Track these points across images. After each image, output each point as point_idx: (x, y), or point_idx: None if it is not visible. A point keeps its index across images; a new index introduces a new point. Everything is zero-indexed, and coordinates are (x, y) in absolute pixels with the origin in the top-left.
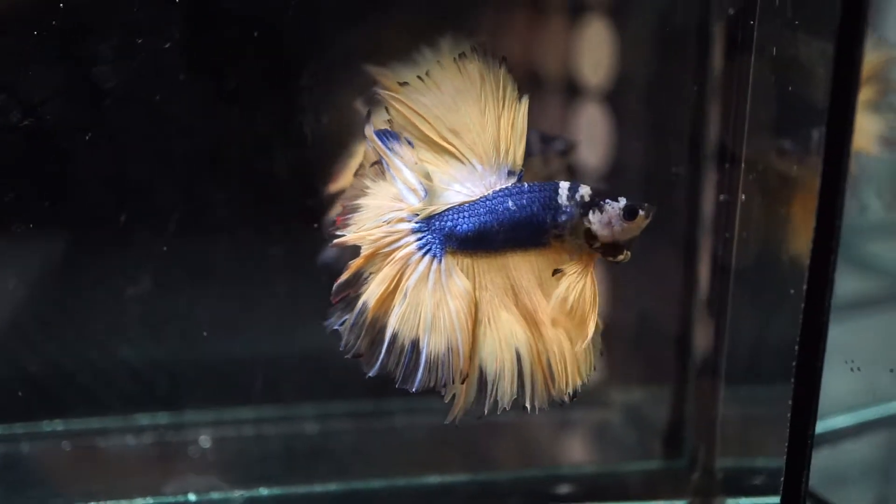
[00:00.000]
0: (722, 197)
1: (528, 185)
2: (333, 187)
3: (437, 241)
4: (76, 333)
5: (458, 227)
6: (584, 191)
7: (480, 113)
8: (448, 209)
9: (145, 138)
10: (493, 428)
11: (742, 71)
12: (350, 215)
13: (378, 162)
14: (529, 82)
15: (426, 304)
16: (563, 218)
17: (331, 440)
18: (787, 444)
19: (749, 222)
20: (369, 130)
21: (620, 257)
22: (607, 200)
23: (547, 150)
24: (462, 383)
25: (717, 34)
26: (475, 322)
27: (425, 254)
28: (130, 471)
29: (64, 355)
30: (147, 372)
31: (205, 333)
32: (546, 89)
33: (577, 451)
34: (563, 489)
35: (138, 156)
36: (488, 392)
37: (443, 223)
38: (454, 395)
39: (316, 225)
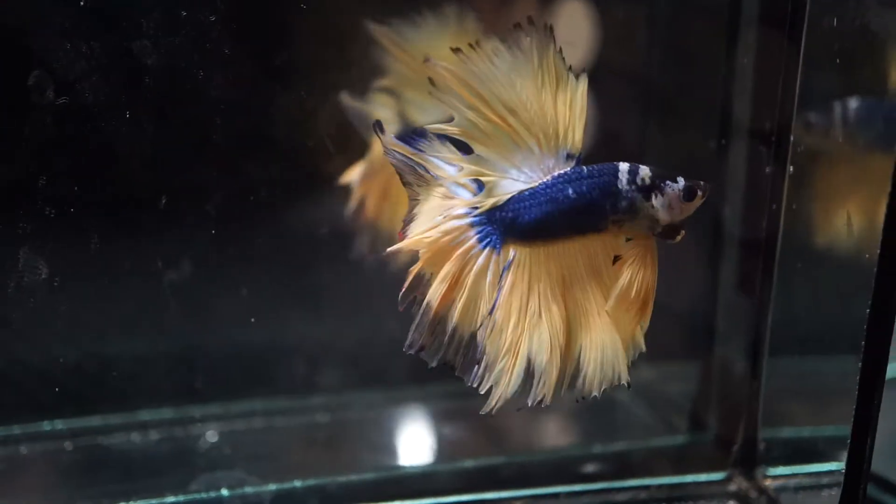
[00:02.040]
0: (768, 169)
1: (588, 170)
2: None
3: (497, 233)
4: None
5: (520, 218)
6: (644, 173)
7: (537, 90)
8: (508, 199)
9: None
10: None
11: (790, 43)
12: (407, 227)
13: (413, 168)
14: None
15: (485, 297)
16: (624, 203)
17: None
18: (853, 414)
19: (797, 194)
20: (388, 140)
21: (678, 238)
22: (667, 182)
23: None
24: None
25: (751, 7)
26: (526, 314)
27: (486, 246)
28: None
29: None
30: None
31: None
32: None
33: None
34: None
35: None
36: (535, 383)
37: (504, 214)
38: (491, 386)
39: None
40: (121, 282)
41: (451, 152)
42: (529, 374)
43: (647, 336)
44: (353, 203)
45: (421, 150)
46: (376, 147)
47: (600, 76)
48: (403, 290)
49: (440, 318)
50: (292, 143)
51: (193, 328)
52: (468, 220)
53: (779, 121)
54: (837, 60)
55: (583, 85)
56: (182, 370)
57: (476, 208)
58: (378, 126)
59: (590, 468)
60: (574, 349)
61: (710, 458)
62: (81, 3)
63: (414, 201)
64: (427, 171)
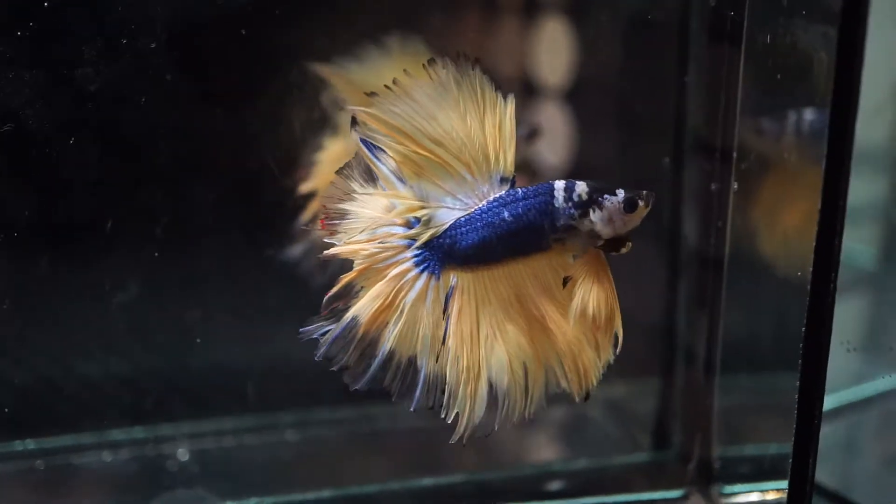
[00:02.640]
0: (714, 186)
1: (523, 191)
2: (302, 183)
3: (435, 259)
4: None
5: (457, 245)
6: (581, 189)
7: (461, 118)
8: (445, 227)
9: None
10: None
11: (731, 60)
12: (337, 221)
13: (367, 168)
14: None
15: (424, 322)
16: (562, 221)
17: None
18: (794, 429)
19: (742, 210)
20: (355, 137)
21: (623, 250)
22: (605, 196)
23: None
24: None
25: (700, 25)
26: (479, 339)
27: (423, 271)
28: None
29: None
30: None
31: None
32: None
33: (567, 447)
34: (558, 485)
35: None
36: (499, 407)
37: (441, 240)
38: (457, 414)
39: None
40: (73, 304)
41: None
42: (493, 397)
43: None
44: (306, 216)
45: (378, 161)
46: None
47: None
48: (329, 294)
49: (370, 340)
50: (238, 166)
51: (163, 348)
52: (406, 241)
53: (722, 137)
54: (777, 77)
55: (510, 106)
56: (154, 390)
57: (413, 241)
58: (354, 121)
59: (548, 486)
60: (539, 365)
61: (671, 475)
62: (21, 33)
63: (348, 196)
64: (377, 178)
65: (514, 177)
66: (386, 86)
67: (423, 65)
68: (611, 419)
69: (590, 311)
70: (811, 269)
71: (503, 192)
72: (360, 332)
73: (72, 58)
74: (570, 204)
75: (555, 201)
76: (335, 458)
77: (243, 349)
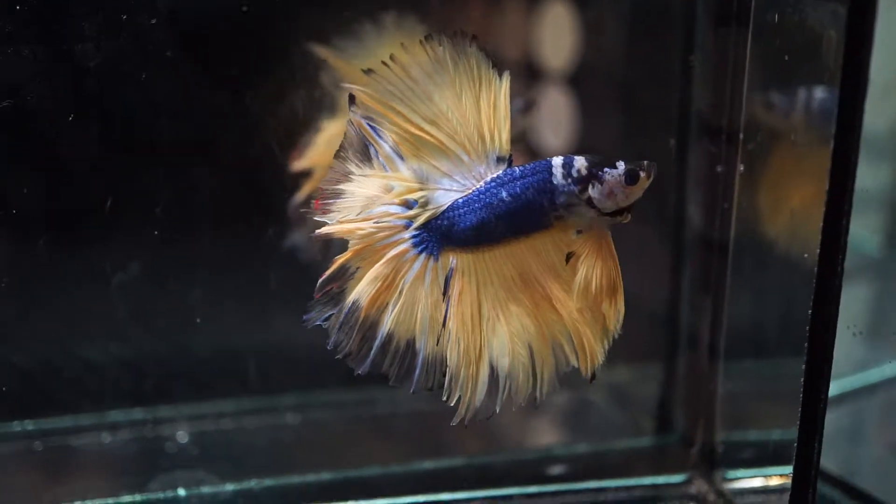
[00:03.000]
0: (719, 168)
1: (520, 170)
2: (298, 164)
3: (433, 240)
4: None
5: (455, 227)
6: (580, 164)
7: (457, 98)
8: (444, 209)
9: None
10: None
11: (738, 40)
12: (331, 200)
13: (365, 147)
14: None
15: (422, 303)
16: (562, 199)
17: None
18: (800, 414)
19: (748, 192)
20: (356, 117)
21: (621, 219)
22: (605, 169)
23: None
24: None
25: (706, 5)
26: (480, 321)
27: (421, 251)
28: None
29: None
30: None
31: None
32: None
33: (572, 431)
34: (560, 469)
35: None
36: (500, 388)
37: (439, 222)
38: (459, 397)
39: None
40: (73, 286)
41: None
42: (494, 379)
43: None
44: (301, 196)
45: (381, 139)
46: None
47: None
48: (324, 276)
49: (370, 323)
50: (240, 148)
51: (163, 329)
52: (403, 221)
53: (728, 119)
54: (785, 57)
55: (505, 84)
56: (154, 371)
57: (411, 222)
58: (353, 100)
59: (550, 470)
60: (546, 345)
61: (674, 459)
62: (20, 7)
63: (344, 176)
64: (378, 156)
65: (510, 155)
66: (383, 62)
67: (420, 41)
68: (614, 403)
69: (593, 286)
70: (818, 252)
71: (500, 171)
72: (361, 315)
73: (72, 34)
74: (569, 180)
75: (553, 178)
76: (335, 441)
77: (243, 332)
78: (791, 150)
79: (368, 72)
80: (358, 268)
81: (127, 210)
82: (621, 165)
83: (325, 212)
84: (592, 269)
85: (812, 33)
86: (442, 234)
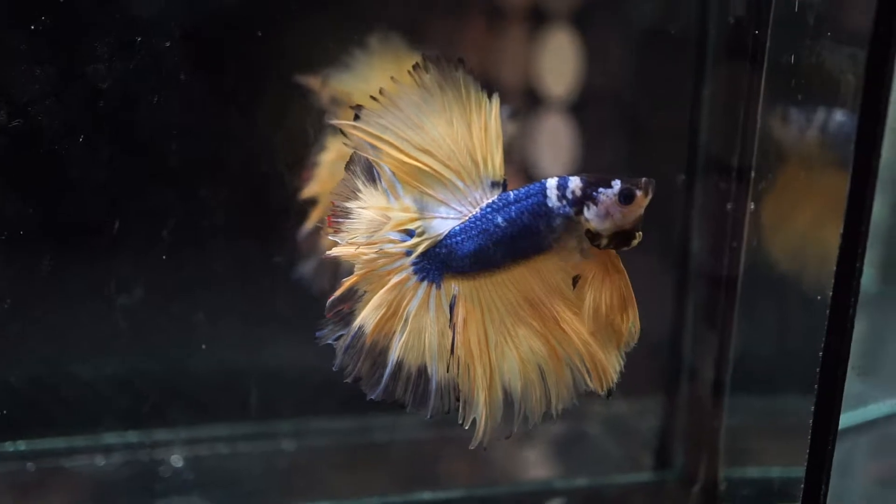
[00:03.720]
0: (729, 205)
1: (514, 194)
2: (305, 185)
3: (434, 268)
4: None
5: (454, 255)
6: (574, 185)
7: (448, 124)
8: (441, 237)
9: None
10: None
11: (751, 78)
12: (342, 219)
13: (369, 168)
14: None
15: (429, 331)
16: (558, 221)
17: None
18: (808, 451)
19: (757, 231)
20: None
21: (634, 242)
22: (599, 190)
23: None
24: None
25: (718, 41)
26: (488, 346)
27: (423, 279)
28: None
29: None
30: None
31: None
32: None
33: (577, 464)
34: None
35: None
36: (517, 410)
37: (438, 250)
38: (474, 420)
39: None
40: (75, 305)
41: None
42: (508, 402)
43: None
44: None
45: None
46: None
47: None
48: (333, 297)
49: (380, 349)
50: (248, 170)
51: (159, 351)
52: (404, 248)
53: (740, 156)
54: (799, 97)
55: (495, 107)
56: (149, 394)
57: (410, 252)
58: (358, 110)
59: (549, 502)
60: (559, 364)
61: (674, 496)
62: (35, 27)
63: (353, 193)
64: (381, 179)
65: (504, 180)
66: (372, 97)
67: (408, 71)
68: (613, 437)
69: (603, 308)
70: (829, 291)
71: (495, 196)
72: (368, 341)
73: (83, 55)
74: (563, 202)
75: (548, 201)
76: (332, 468)
77: (241, 356)
78: (804, 189)
79: (358, 108)
80: (365, 291)
81: (127, 230)
82: (616, 184)
83: (337, 231)
84: (601, 291)
85: (829, 76)
86: (442, 263)
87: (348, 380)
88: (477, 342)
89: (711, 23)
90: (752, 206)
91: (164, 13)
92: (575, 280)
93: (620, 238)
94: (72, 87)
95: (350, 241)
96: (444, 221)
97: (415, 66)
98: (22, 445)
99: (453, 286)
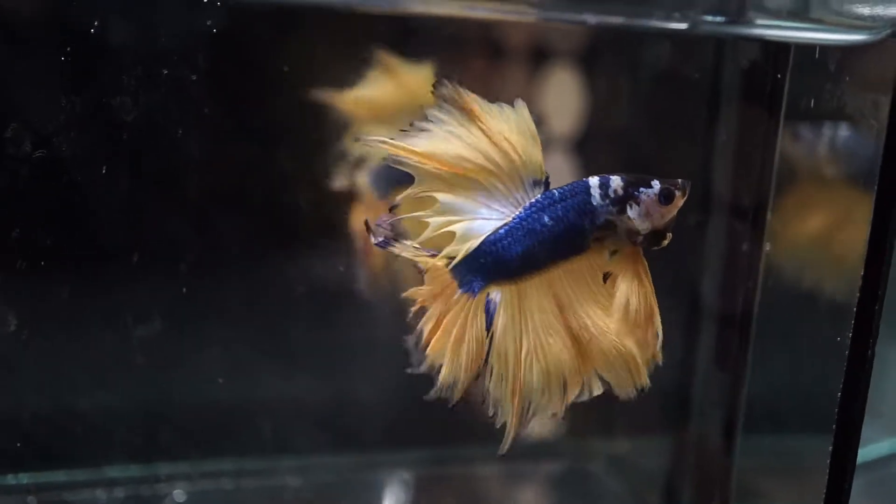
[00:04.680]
0: (745, 246)
1: (559, 192)
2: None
3: (477, 278)
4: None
5: (502, 259)
6: (616, 184)
7: (479, 136)
8: (485, 240)
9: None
10: (487, 479)
11: (769, 121)
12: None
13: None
14: None
15: (468, 344)
16: (601, 220)
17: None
18: (825, 493)
19: (773, 272)
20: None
21: (665, 242)
22: (641, 189)
23: None
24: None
25: (734, 84)
26: (521, 356)
27: (466, 290)
28: None
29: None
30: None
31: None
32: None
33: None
34: None
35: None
36: (528, 415)
37: (484, 260)
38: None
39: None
40: (91, 336)
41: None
42: (528, 411)
43: (629, 401)
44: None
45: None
46: None
47: (582, 148)
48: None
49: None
50: (267, 202)
51: (163, 385)
52: (446, 266)
53: (756, 198)
54: (817, 140)
55: (523, 110)
56: (152, 427)
57: (452, 258)
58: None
59: None
60: (587, 372)
61: None
62: (61, 57)
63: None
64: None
65: (547, 177)
66: (402, 130)
67: (431, 90)
68: (619, 476)
69: (632, 307)
70: (848, 332)
71: (539, 195)
72: (428, 361)
73: (107, 86)
74: (607, 201)
75: (592, 199)
76: None
77: (246, 390)
78: (821, 231)
79: (402, 132)
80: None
81: (137, 263)
82: (656, 184)
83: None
84: (630, 290)
85: (850, 120)
86: (488, 271)
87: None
88: (513, 353)
89: (726, 66)
90: (769, 247)
91: (186, 46)
92: (605, 278)
93: (652, 238)
94: (94, 118)
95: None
96: (486, 223)
97: (435, 85)
98: (24, 478)
99: (496, 294)
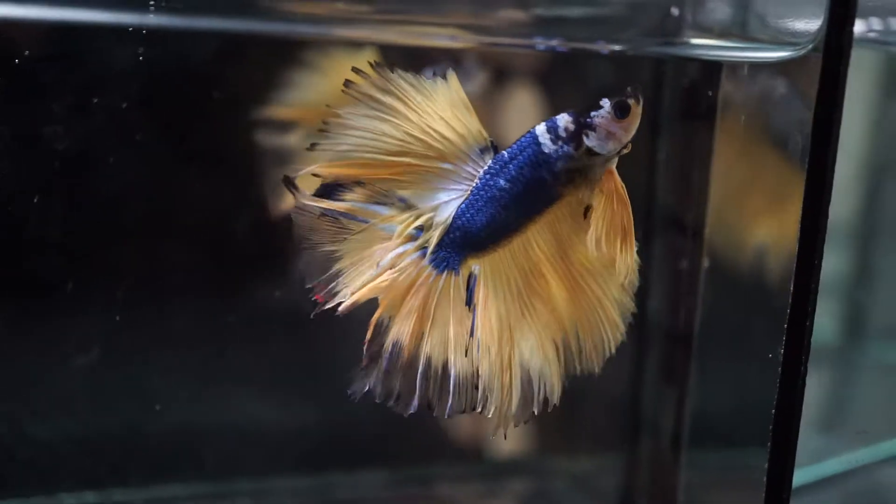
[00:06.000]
0: (684, 263)
1: (508, 152)
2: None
3: (452, 255)
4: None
5: (469, 232)
6: (564, 122)
7: (410, 117)
8: (450, 220)
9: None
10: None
11: (704, 139)
12: (333, 284)
13: (335, 221)
14: None
15: (452, 320)
16: (560, 164)
17: None
18: None
19: (711, 288)
20: (305, 196)
21: (625, 151)
22: (592, 114)
23: None
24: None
25: (673, 103)
26: (508, 324)
27: (443, 270)
28: None
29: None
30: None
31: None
32: None
33: None
34: None
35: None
36: (535, 390)
37: (452, 235)
38: (495, 408)
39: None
40: (31, 365)
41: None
42: (528, 382)
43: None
44: None
45: (344, 201)
46: None
47: None
48: (367, 341)
49: (412, 358)
50: (204, 228)
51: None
52: (417, 254)
53: (695, 215)
54: (748, 156)
55: (452, 80)
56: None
57: (425, 248)
58: (289, 182)
59: None
60: (571, 333)
61: None
62: None
63: (330, 260)
64: (355, 218)
65: (492, 141)
66: (320, 129)
67: (342, 90)
68: (575, 493)
69: (616, 226)
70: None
71: (490, 161)
72: (406, 354)
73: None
74: (560, 143)
75: (543, 148)
76: None
77: (200, 415)
78: (755, 246)
79: (312, 146)
80: (390, 318)
81: (82, 290)
82: (606, 102)
83: (332, 297)
84: (603, 217)
85: (777, 137)
86: (459, 246)
87: (390, 403)
88: (498, 323)
89: (667, 84)
90: (707, 264)
91: (118, 74)
92: (586, 212)
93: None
94: (27, 147)
95: (365, 281)
96: (448, 204)
97: (346, 84)
98: None
99: (473, 267)
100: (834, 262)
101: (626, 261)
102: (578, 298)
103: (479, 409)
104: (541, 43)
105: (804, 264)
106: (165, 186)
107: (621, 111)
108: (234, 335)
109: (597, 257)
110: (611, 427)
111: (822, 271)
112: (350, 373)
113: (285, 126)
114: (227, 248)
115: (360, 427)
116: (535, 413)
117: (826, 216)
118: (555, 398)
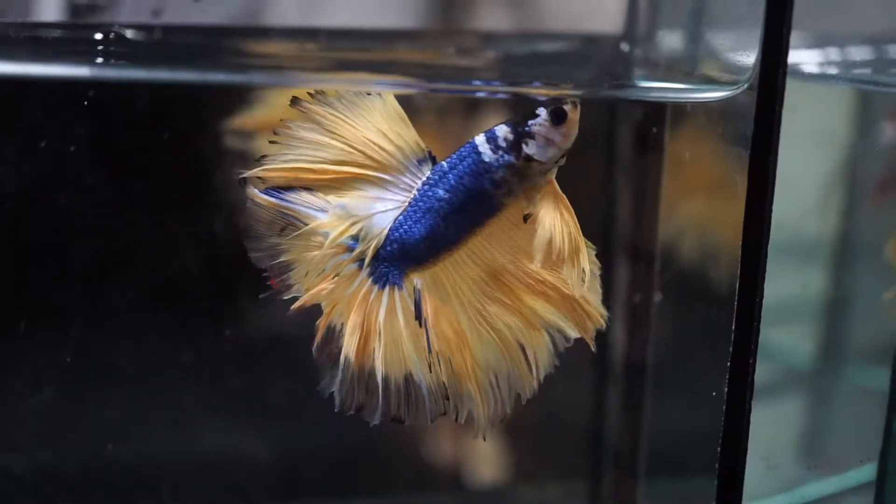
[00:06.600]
0: (637, 296)
1: (448, 162)
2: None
3: (391, 269)
4: None
5: (406, 245)
6: (502, 132)
7: (350, 131)
8: (387, 232)
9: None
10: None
11: (653, 171)
12: (285, 275)
13: (283, 217)
14: None
15: (404, 336)
16: (500, 174)
17: None
18: None
19: (665, 320)
20: (255, 194)
21: (562, 161)
22: (529, 123)
23: None
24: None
25: (625, 139)
26: (464, 333)
27: (384, 286)
28: None
29: None
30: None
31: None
32: None
33: None
34: None
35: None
36: (505, 390)
37: (389, 249)
38: (469, 412)
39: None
40: None
41: (320, 199)
42: (496, 384)
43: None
44: None
45: (289, 202)
46: None
47: None
48: (316, 343)
49: (368, 372)
50: (156, 268)
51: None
52: (355, 265)
53: (646, 247)
54: (696, 190)
55: (388, 96)
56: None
57: (362, 260)
58: (243, 181)
59: None
60: (535, 332)
61: None
62: None
63: (278, 251)
64: (299, 220)
65: (429, 151)
66: (269, 141)
67: (289, 106)
68: None
69: (555, 244)
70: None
71: (428, 172)
72: (355, 368)
73: None
74: (500, 152)
75: (483, 157)
76: None
77: (156, 452)
78: (703, 277)
79: (261, 158)
80: (342, 324)
81: (35, 328)
82: (542, 110)
83: (287, 288)
84: (550, 223)
85: (720, 171)
86: (398, 259)
87: (351, 412)
88: (452, 332)
89: (619, 120)
90: (659, 297)
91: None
92: (525, 219)
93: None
94: None
95: (306, 287)
96: (384, 215)
97: (293, 101)
98: None
99: (415, 281)
100: (803, 280)
101: (579, 267)
102: (535, 307)
103: (454, 418)
104: (481, 88)
105: (745, 298)
106: (115, 227)
107: (558, 118)
108: (187, 373)
109: (545, 268)
110: (576, 456)
111: (790, 289)
112: (309, 402)
113: (234, 162)
114: (178, 286)
115: (324, 458)
116: (509, 412)
117: (766, 244)
118: (527, 394)
